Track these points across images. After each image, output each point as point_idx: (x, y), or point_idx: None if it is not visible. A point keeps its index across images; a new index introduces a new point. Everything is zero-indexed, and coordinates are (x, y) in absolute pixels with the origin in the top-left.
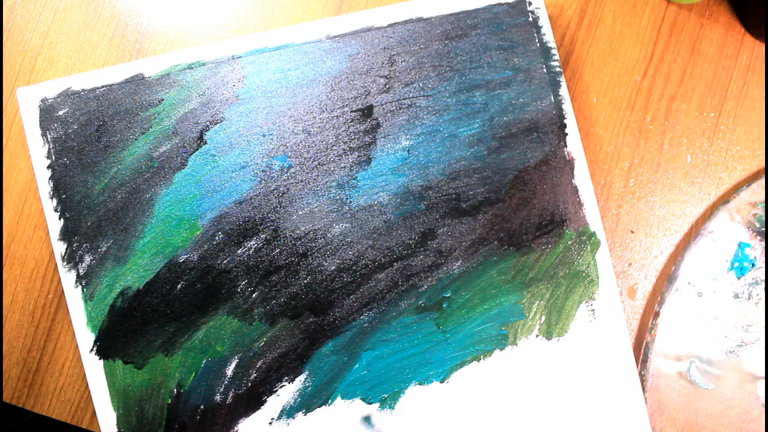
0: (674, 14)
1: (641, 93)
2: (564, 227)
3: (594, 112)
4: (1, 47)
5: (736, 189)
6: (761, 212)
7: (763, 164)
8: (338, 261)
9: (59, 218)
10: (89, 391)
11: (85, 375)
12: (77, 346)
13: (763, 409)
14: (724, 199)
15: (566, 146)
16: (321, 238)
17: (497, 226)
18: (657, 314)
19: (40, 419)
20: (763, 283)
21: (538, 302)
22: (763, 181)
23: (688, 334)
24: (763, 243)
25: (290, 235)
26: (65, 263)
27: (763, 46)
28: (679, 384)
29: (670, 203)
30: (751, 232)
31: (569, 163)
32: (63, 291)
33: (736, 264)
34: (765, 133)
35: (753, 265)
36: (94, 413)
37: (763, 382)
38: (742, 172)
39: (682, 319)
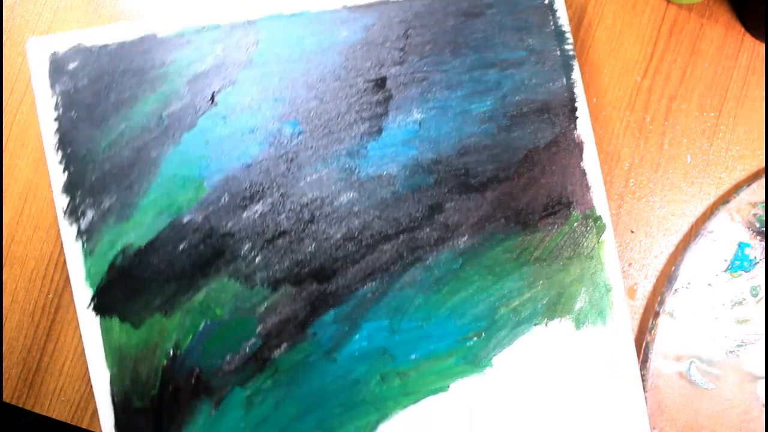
0: (674, 14)
1: (641, 93)
2: (571, 209)
3: (594, 112)
4: (1, 47)
5: (736, 189)
6: (761, 212)
7: (763, 164)
8: (344, 230)
9: (63, 171)
10: (89, 391)
11: (85, 375)
12: (77, 345)
13: (763, 409)
14: (724, 199)
15: (576, 129)
16: (328, 205)
17: (504, 203)
18: (657, 314)
19: (40, 419)
20: (763, 283)
21: (542, 282)
22: (763, 181)
23: (688, 334)
24: (763, 243)
25: (297, 201)
26: (67, 217)
27: (763, 46)
28: (679, 384)
29: (670, 203)
30: (751, 232)
31: (578, 146)
32: (62, 293)
33: (737, 264)
34: (765, 133)
35: (753, 264)
36: (94, 413)
37: (763, 382)
38: (742, 172)
39: (682, 319)
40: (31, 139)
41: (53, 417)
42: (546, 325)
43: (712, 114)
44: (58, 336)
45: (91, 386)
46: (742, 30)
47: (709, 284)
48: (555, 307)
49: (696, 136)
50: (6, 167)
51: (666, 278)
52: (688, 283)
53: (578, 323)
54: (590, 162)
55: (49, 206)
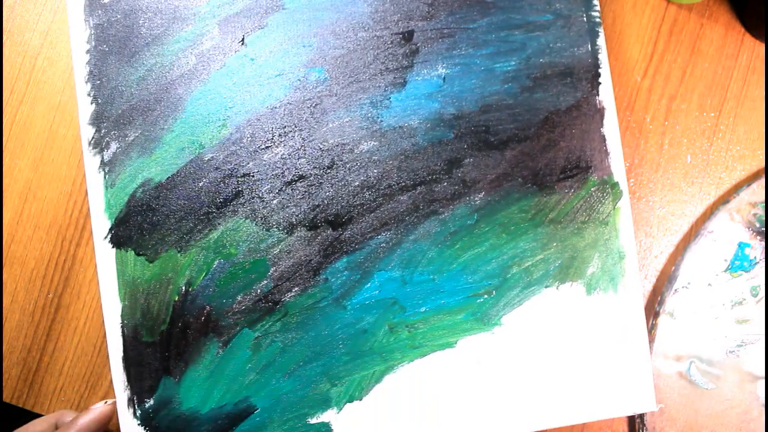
0: (674, 14)
1: (641, 93)
2: (588, 174)
3: None
4: (1, 47)
5: (736, 189)
6: (761, 212)
7: (763, 164)
8: (362, 177)
9: (91, 103)
10: (89, 391)
11: (85, 374)
12: (77, 345)
13: (763, 409)
14: (724, 199)
15: (598, 95)
16: (348, 153)
17: (522, 163)
18: (657, 314)
19: None
20: (763, 283)
21: (555, 244)
22: (763, 181)
23: (688, 334)
24: (763, 243)
25: (318, 146)
26: (91, 148)
27: (763, 46)
28: (679, 384)
29: (670, 203)
30: (751, 232)
31: (600, 112)
32: (62, 293)
33: (737, 264)
34: (765, 133)
35: (753, 264)
36: None
37: (763, 382)
38: (742, 172)
39: (682, 319)
40: (31, 139)
41: None
42: (557, 288)
43: (712, 114)
44: (58, 336)
45: (91, 386)
46: (742, 30)
47: (709, 284)
48: (567, 270)
49: (696, 136)
50: (6, 167)
51: (666, 278)
52: (688, 283)
53: (589, 289)
54: (610, 128)
55: (49, 206)
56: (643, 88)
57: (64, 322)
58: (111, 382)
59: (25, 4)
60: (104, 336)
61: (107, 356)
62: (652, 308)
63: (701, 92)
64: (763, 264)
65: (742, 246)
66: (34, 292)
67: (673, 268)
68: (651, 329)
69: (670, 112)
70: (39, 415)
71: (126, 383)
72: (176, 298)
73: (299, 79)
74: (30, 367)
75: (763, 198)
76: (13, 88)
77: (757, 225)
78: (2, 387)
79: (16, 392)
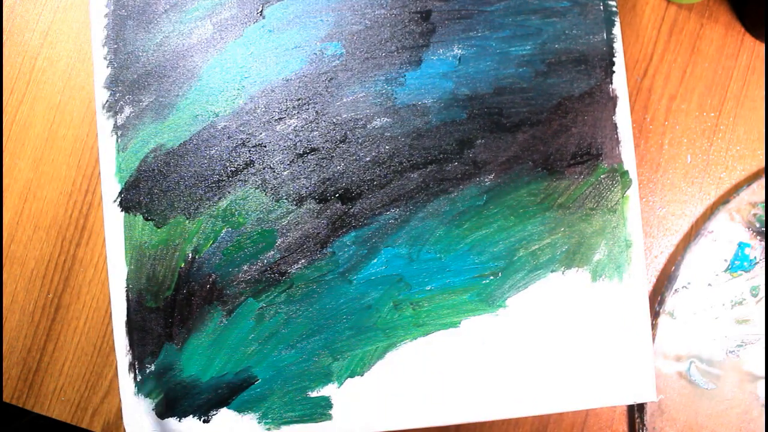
0: (674, 14)
1: (641, 93)
2: (599, 161)
3: None
4: (1, 47)
5: (736, 189)
6: (761, 212)
7: (763, 164)
8: (374, 153)
9: (107, 66)
10: (89, 391)
11: (85, 374)
12: (77, 345)
13: (763, 409)
14: (724, 199)
15: (612, 83)
16: (361, 128)
17: (534, 147)
18: (657, 314)
19: (40, 419)
20: (763, 283)
21: (563, 229)
22: (763, 181)
23: (688, 334)
24: (763, 243)
25: (331, 120)
26: (105, 111)
27: (763, 46)
28: (679, 384)
29: (670, 203)
30: (751, 232)
31: (612, 100)
32: (62, 293)
33: (737, 264)
34: (765, 133)
35: (753, 264)
36: (94, 413)
37: (763, 382)
38: (742, 172)
39: (682, 319)
40: (32, 139)
41: (53, 417)
42: (563, 273)
43: (712, 114)
44: (58, 336)
45: (91, 386)
46: (742, 30)
47: (709, 284)
48: (574, 256)
49: (696, 136)
50: (6, 167)
51: (666, 278)
52: (688, 283)
53: (595, 275)
54: (622, 117)
55: (49, 206)
56: (643, 88)
57: (64, 322)
58: (111, 382)
59: (25, 4)
60: (104, 336)
61: (107, 356)
62: (653, 308)
63: (701, 92)
64: (763, 264)
65: (742, 246)
66: (34, 292)
67: (673, 268)
68: (651, 329)
69: (670, 112)
70: (39, 415)
71: (128, 348)
72: (182, 265)
73: (315, 53)
74: (30, 367)
75: (763, 198)
76: (13, 88)
77: (757, 225)
78: (2, 387)
79: (16, 392)
